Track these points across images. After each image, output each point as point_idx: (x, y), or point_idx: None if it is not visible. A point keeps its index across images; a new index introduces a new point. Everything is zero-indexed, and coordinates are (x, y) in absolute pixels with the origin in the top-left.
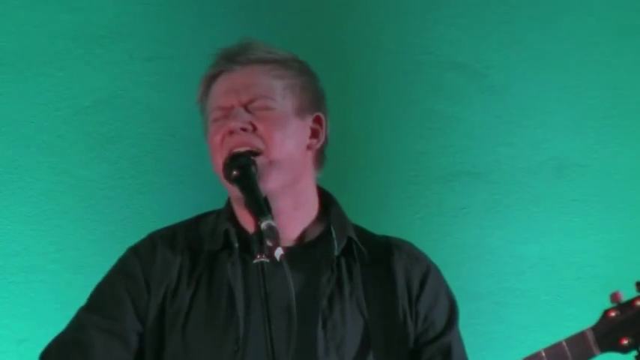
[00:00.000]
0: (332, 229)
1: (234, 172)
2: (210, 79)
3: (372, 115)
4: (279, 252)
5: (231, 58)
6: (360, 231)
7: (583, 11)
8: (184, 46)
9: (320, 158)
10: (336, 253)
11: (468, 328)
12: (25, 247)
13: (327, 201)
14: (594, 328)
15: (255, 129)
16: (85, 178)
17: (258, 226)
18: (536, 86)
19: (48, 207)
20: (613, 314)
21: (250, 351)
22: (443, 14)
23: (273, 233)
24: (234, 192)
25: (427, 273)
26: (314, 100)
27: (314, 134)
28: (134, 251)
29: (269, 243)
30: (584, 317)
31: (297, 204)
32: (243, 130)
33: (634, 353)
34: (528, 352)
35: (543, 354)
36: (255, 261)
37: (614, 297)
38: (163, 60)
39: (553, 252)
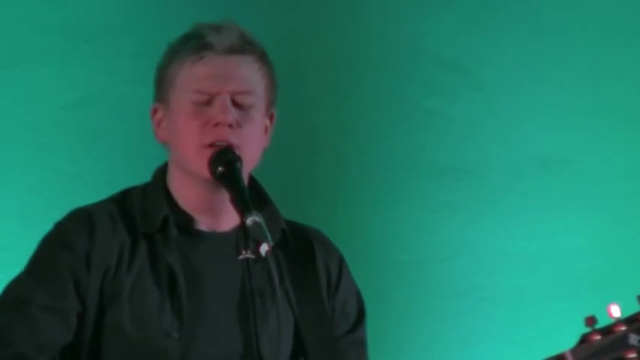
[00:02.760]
0: (261, 219)
1: (220, 169)
2: (192, 56)
3: (360, 111)
4: (264, 248)
5: (218, 42)
6: (286, 221)
7: (571, 8)
8: (168, 42)
9: (260, 155)
10: (271, 243)
11: (455, 324)
12: (11, 243)
13: (258, 190)
14: (573, 351)
15: (240, 126)
16: (72, 174)
17: (244, 222)
18: (524, 82)
19: (34, 202)
20: (593, 338)
21: (192, 337)
22: (432, 10)
23: (259, 229)
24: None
25: (342, 264)
26: (276, 97)
27: (265, 131)
28: (71, 223)
29: (255, 237)
30: (571, 313)
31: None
32: (230, 126)
33: None
34: (516, 349)
35: None
36: (240, 257)
37: (588, 321)
38: (151, 56)
39: (540, 248)
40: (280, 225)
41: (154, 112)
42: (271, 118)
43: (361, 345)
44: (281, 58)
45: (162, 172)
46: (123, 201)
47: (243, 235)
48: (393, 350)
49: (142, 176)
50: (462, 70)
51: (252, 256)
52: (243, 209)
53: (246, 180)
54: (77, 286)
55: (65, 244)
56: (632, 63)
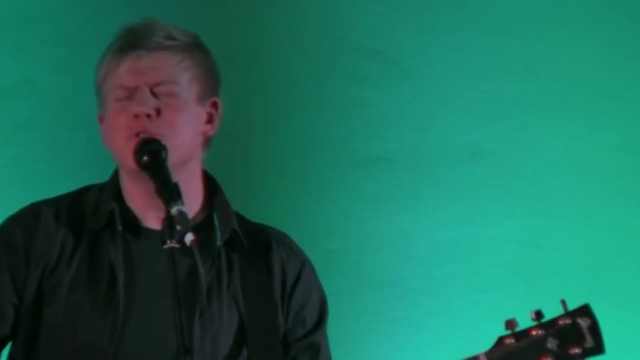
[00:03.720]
0: (214, 217)
1: (145, 158)
2: (116, 58)
3: (284, 101)
4: (189, 237)
5: (139, 41)
6: (241, 220)
7: None
8: (98, 32)
9: (208, 142)
10: (219, 243)
11: (381, 315)
12: None
13: (212, 188)
14: (488, 354)
15: (159, 115)
16: None
17: (168, 212)
18: (450, 72)
19: None
20: (508, 341)
21: (129, 334)
22: (357, 0)
23: (184, 219)
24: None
25: (302, 269)
26: (214, 85)
27: (209, 119)
28: (16, 221)
29: (178, 227)
30: (497, 304)
31: (182, 188)
32: (148, 116)
33: None
34: (442, 339)
35: None
36: (165, 246)
37: (509, 324)
38: (76, 46)
39: (466, 238)
40: (232, 224)
41: (101, 119)
42: (214, 105)
43: (317, 350)
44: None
45: (117, 172)
46: (78, 197)
47: (168, 225)
48: None
49: (66, 167)
50: (387, 59)
51: (177, 246)
52: (167, 199)
53: (194, 175)
54: (14, 280)
55: (6, 242)
56: (559, 54)
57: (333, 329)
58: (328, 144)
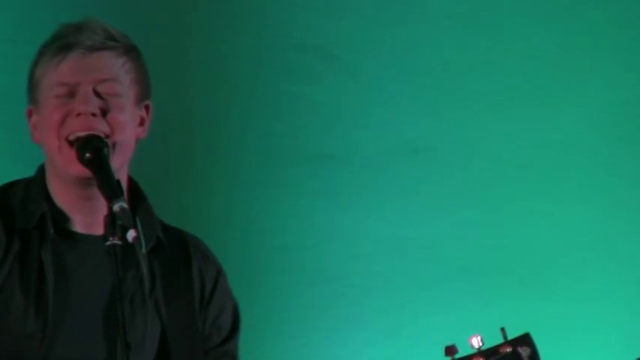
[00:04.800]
0: (138, 223)
1: (87, 155)
2: (58, 55)
3: (227, 98)
4: (131, 234)
5: (81, 40)
6: (163, 226)
7: None
8: (37, 29)
9: (135, 146)
10: (144, 250)
11: (324, 311)
12: None
13: (136, 194)
14: None
15: (104, 114)
16: None
17: (110, 208)
18: (392, 69)
19: None
20: None
21: (56, 340)
22: None
23: (126, 215)
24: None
25: (218, 276)
26: (148, 89)
27: (142, 122)
28: None
29: (119, 222)
30: (438, 300)
31: None
32: (93, 115)
33: None
34: (384, 335)
35: None
36: (107, 243)
37: (448, 351)
38: (17, 43)
39: (408, 235)
40: (156, 232)
41: (29, 114)
42: (147, 109)
43: (232, 358)
44: (146, 48)
45: (43, 169)
46: (4, 194)
47: (110, 222)
48: (266, 336)
49: (5, 163)
50: (330, 56)
51: (119, 242)
52: (110, 195)
53: (124, 178)
54: None
55: None
56: (500, 51)
57: (275, 326)
58: (270, 141)
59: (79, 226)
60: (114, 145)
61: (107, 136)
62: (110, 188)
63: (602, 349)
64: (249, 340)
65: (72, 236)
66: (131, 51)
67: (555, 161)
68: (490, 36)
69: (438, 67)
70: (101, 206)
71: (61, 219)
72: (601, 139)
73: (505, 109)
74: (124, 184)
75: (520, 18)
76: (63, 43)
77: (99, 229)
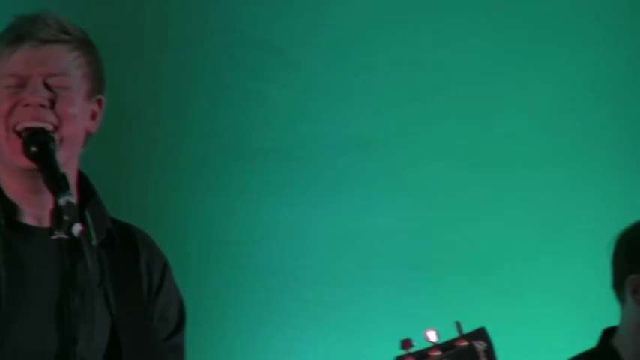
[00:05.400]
0: (87, 216)
1: (34, 149)
2: (10, 46)
3: (176, 93)
4: (77, 228)
5: (34, 32)
6: (111, 220)
7: None
8: None
9: (87, 140)
10: (94, 242)
11: (271, 307)
12: None
13: (86, 187)
14: None
15: (52, 106)
16: None
17: (56, 203)
18: (339, 63)
19: None
20: None
21: (7, 333)
22: None
23: (72, 210)
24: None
25: (165, 269)
26: (101, 83)
27: (93, 116)
28: None
29: (66, 218)
30: (386, 295)
31: None
32: (42, 106)
33: None
34: (333, 331)
35: None
36: (53, 237)
37: (404, 344)
38: None
39: (354, 228)
40: (106, 225)
41: None
42: (99, 103)
43: (179, 350)
44: (99, 43)
45: None
46: None
47: (57, 216)
48: (211, 333)
49: None
50: (276, 51)
51: (65, 236)
52: (55, 190)
53: (73, 171)
54: None
55: None
56: (442, 46)
57: (225, 321)
58: (216, 135)
59: (29, 218)
60: (61, 139)
61: (55, 128)
62: (56, 183)
63: (549, 343)
64: (195, 336)
65: (23, 228)
66: (84, 45)
67: (501, 154)
68: (434, 30)
69: (383, 61)
70: (50, 199)
71: (11, 211)
72: (547, 132)
73: (450, 103)
74: (73, 177)
75: (463, 11)
76: (16, 34)
77: (44, 222)
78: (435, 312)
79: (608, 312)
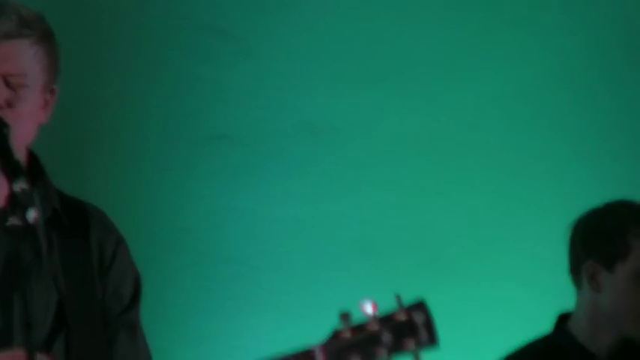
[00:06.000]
0: (35, 196)
1: None
2: None
3: (128, 78)
4: (31, 214)
5: None
6: (62, 197)
7: None
8: None
9: (37, 129)
10: (39, 222)
11: (222, 292)
12: None
13: (35, 167)
14: (324, 346)
15: (9, 106)
16: None
17: (11, 189)
18: (289, 48)
19: None
20: (344, 335)
21: None
22: None
23: (27, 196)
24: None
25: (118, 246)
26: (57, 73)
27: (45, 105)
28: None
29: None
30: (339, 280)
31: None
32: None
33: None
34: (285, 316)
35: None
36: (7, 224)
37: (343, 317)
38: None
39: (308, 214)
40: (53, 204)
41: None
42: (52, 92)
43: (133, 327)
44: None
45: None
46: None
47: (11, 202)
48: (163, 318)
49: None
50: (231, 38)
51: (19, 223)
52: (10, 176)
53: (23, 153)
54: None
55: None
56: (398, 31)
57: (173, 308)
58: (172, 121)
59: None
60: (16, 134)
61: (8, 122)
62: (10, 169)
63: (501, 329)
64: (146, 321)
65: None
66: (44, 38)
67: (457, 140)
68: (390, 16)
69: (336, 46)
70: (3, 181)
71: None
72: (503, 118)
73: (406, 89)
74: (24, 157)
75: (418, 0)
76: None
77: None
78: (386, 297)
79: (563, 298)
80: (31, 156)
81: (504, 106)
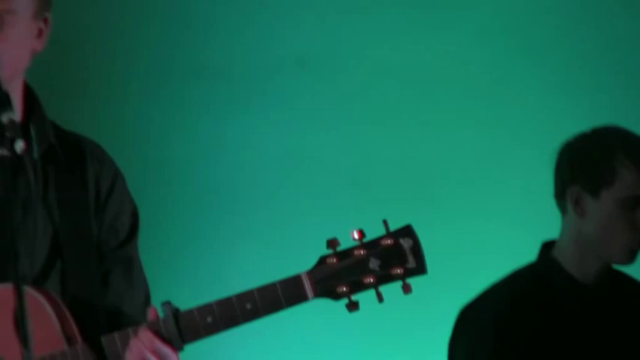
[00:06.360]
0: (31, 129)
1: None
2: None
3: (114, 9)
4: (19, 145)
5: None
6: (57, 131)
7: None
8: None
9: (31, 58)
10: (35, 156)
11: (210, 223)
12: None
13: (30, 100)
14: (310, 273)
15: None
16: None
17: None
18: None
19: None
20: (330, 261)
21: None
22: None
23: (15, 127)
24: None
25: (115, 180)
26: (48, 2)
27: (40, 34)
28: None
29: (8, 135)
30: (326, 211)
31: None
32: None
33: (344, 301)
34: (269, 247)
35: (255, 294)
36: None
37: (330, 243)
38: None
39: (294, 146)
40: (49, 138)
41: None
42: (45, 21)
43: (130, 261)
44: None
45: None
46: None
47: None
48: (152, 249)
49: None
50: None
51: (7, 154)
52: None
53: (19, 86)
54: None
55: None
56: None
57: (164, 238)
58: (161, 54)
59: None
60: (4, 60)
61: None
62: None
63: (488, 260)
64: None
65: None
66: None
67: (443, 72)
68: None
69: None
70: None
71: None
72: (490, 50)
73: (393, 21)
74: (18, 92)
75: None
76: None
77: None
78: (374, 229)
79: (549, 229)
80: (27, 89)
81: (491, 38)
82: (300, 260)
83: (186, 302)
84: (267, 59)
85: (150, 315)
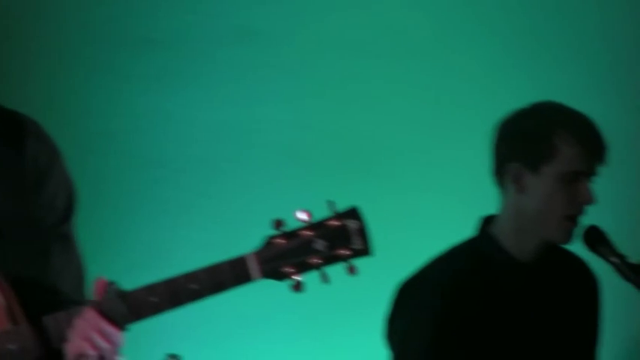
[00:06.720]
0: None
1: None
2: None
3: None
4: None
5: None
6: None
7: None
8: None
9: None
10: None
11: (147, 196)
12: None
13: None
14: (258, 254)
15: None
16: None
17: None
18: None
19: None
20: (277, 241)
21: None
22: None
23: None
24: None
25: (54, 157)
26: None
27: None
28: None
29: None
30: (265, 185)
31: None
32: None
33: (289, 282)
34: (210, 221)
35: (201, 274)
36: None
37: (276, 224)
38: None
39: (235, 119)
40: None
41: None
42: None
43: (67, 239)
44: None
45: None
46: None
47: None
48: (88, 223)
49: None
50: None
51: None
52: None
53: None
54: None
55: None
56: None
57: (96, 211)
58: (101, 25)
59: None
60: None
61: None
62: None
63: (433, 237)
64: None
65: None
66: None
67: (389, 43)
68: None
69: None
70: None
71: None
72: (434, 20)
73: None
74: None
75: None
76: None
77: None
78: (316, 204)
79: (494, 202)
80: None
81: (436, 5)
82: (237, 231)
83: (129, 281)
84: (211, 31)
85: (95, 294)
